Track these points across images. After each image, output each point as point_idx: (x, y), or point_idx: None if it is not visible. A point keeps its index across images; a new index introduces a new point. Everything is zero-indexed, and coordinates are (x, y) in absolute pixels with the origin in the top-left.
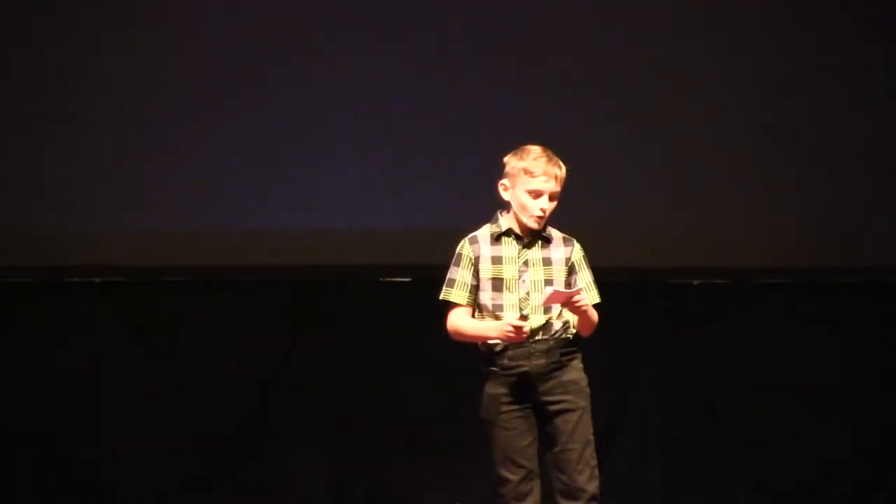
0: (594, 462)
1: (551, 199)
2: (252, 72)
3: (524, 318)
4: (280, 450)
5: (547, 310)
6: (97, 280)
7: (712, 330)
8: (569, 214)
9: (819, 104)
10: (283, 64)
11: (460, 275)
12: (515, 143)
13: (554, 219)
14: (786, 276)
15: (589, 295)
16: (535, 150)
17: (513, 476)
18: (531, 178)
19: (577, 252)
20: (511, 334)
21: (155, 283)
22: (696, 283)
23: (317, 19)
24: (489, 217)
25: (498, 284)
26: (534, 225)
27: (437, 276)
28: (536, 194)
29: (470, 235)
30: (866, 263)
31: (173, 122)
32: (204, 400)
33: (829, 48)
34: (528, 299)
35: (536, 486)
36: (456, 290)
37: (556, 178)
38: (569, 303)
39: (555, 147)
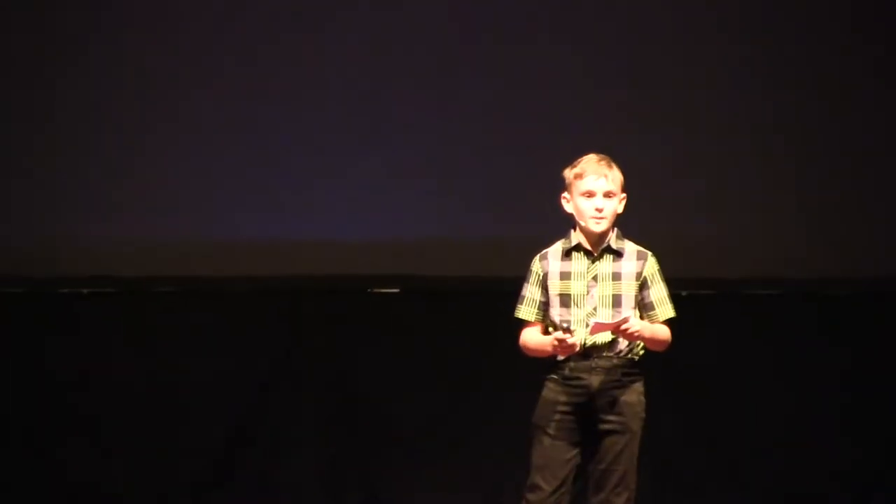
0: (633, 486)
1: (606, 197)
2: (244, 83)
3: (567, 330)
4: (273, 458)
5: None
6: (86, 290)
7: (703, 340)
8: (559, 226)
9: (815, 113)
10: (275, 75)
11: (529, 291)
12: (510, 152)
13: (554, 225)
14: (778, 286)
15: (661, 310)
16: (586, 156)
17: (546, 486)
18: (581, 181)
19: (649, 266)
20: (559, 348)
21: (145, 294)
22: (683, 293)
23: (308, 28)
24: (481, 227)
25: (566, 300)
26: (595, 227)
27: (425, 286)
28: (589, 194)
29: (542, 252)
30: (861, 273)
31: (165, 132)
32: (196, 410)
33: (826, 54)
34: (594, 315)
35: (565, 502)
36: (524, 307)
37: (606, 176)
38: (618, 331)
39: (547, 156)
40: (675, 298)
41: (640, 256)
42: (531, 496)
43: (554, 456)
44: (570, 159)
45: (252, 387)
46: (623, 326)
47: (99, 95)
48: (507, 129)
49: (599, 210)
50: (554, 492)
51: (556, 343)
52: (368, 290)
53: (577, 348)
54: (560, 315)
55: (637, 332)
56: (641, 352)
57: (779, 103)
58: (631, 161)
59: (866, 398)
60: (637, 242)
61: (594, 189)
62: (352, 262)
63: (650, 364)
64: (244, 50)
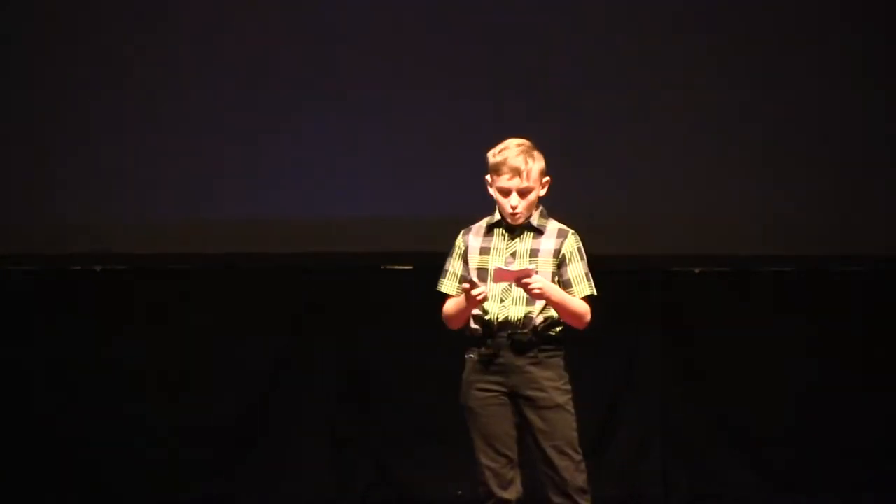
0: (578, 456)
1: (521, 195)
2: (250, 60)
3: (470, 282)
4: (282, 438)
5: (529, 302)
6: (98, 268)
7: (713, 318)
8: (568, 202)
9: (820, 92)
10: (281, 52)
11: (452, 265)
12: (516, 132)
13: (551, 205)
14: (787, 264)
15: (577, 288)
16: (505, 144)
17: (493, 463)
18: (497, 176)
19: (569, 244)
20: (466, 300)
21: (158, 272)
22: (696, 270)
23: (315, 9)
24: (490, 205)
25: (483, 275)
26: (511, 222)
27: (437, 264)
28: (504, 192)
29: (467, 227)
30: (869, 251)
31: (177, 110)
32: (207, 389)
33: (830, 36)
34: (509, 290)
35: (518, 474)
36: (447, 281)
37: (521, 173)
38: (520, 283)
39: (555, 134)
40: (686, 275)
41: (561, 234)
42: (484, 477)
43: (488, 432)
44: (582, 139)
45: (263, 364)
46: (525, 279)
47: (108, 81)
48: (521, 109)
49: (514, 207)
50: (503, 467)
51: (461, 294)
52: (381, 267)
53: (484, 296)
54: None
55: (539, 288)
56: (559, 328)
57: (780, 86)
58: (639, 144)
59: (869, 382)
60: (562, 221)
61: (510, 187)
62: (364, 239)
63: (660, 339)
64: (248, 31)
